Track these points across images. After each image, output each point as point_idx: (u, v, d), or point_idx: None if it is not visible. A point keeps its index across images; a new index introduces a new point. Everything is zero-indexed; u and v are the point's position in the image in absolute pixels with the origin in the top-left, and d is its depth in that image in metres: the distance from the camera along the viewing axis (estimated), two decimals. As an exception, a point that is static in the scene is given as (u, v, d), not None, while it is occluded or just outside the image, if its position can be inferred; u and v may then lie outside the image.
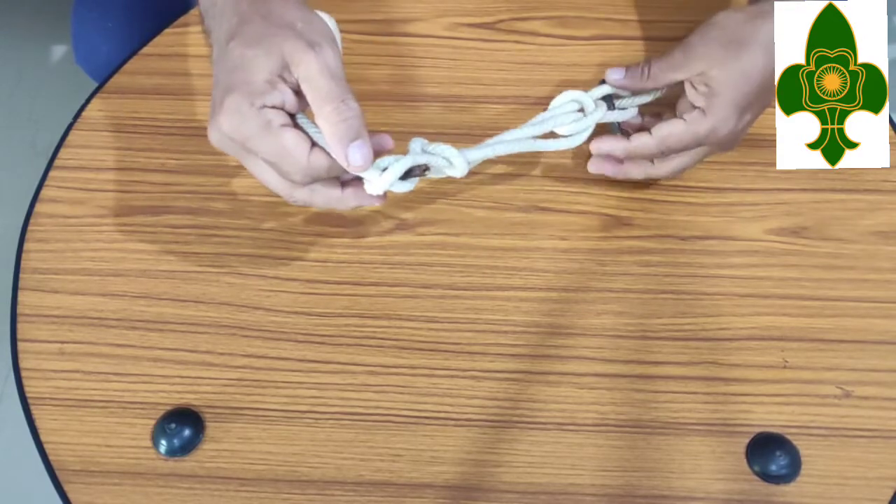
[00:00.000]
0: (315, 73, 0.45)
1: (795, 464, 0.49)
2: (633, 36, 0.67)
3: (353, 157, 0.46)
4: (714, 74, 0.51)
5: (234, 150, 0.47)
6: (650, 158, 0.54)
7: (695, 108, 0.52)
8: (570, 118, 0.54)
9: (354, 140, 0.46)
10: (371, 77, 0.66)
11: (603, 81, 0.55)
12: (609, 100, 0.55)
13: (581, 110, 0.54)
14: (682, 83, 0.53)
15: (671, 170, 0.55)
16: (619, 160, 0.55)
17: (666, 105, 0.55)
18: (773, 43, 0.50)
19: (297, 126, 0.46)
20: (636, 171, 0.56)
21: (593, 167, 0.56)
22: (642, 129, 0.54)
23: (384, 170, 0.48)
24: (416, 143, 0.51)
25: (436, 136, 0.62)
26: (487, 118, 0.63)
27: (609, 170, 0.56)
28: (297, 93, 0.46)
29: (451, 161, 0.50)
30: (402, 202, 0.59)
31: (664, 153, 0.53)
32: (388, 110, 0.64)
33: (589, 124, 0.54)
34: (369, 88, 0.65)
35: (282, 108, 0.46)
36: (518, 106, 0.63)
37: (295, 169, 0.46)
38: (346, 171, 0.47)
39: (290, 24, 0.46)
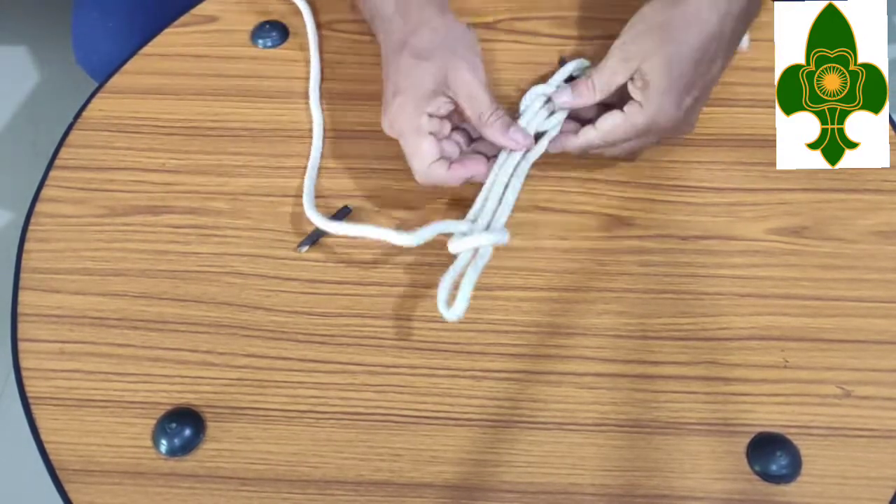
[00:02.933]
0: (475, 90, 0.55)
1: (795, 464, 0.49)
2: (634, 36, 0.66)
3: (515, 136, 0.55)
4: (646, 67, 0.53)
5: (397, 138, 0.56)
6: (598, 150, 0.57)
7: (631, 101, 0.54)
8: (543, 115, 0.57)
9: (510, 127, 0.55)
10: (371, 77, 0.66)
11: (563, 61, 0.59)
12: (571, 80, 0.58)
13: (549, 100, 0.57)
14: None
15: (619, 153, 0.58)
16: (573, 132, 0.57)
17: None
18: (696, 20, 0.52)
19: (440, 138, 0.56)
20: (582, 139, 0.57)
21: (556, 147, 0.58)
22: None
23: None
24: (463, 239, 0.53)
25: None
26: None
27: (573, 145, 0.57)
28: (452, 103, 0.56)
29: (499, 241, 0.53)
30: (402, 202, 0.59)
31: (610, 145, 0.56)
32: (388, 110, 0.64)
33: (561, 118, 0.57)
34: (369, 88, 0.65)
35: (436, 115, 0.55)
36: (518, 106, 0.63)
37: (417, 167, 0.55)
38: (452, 185, 0.56)
39: (453, 41, 0.56)
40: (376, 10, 0.60)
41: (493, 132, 0.55)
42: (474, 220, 0.54)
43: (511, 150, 0.56)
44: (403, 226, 0.58)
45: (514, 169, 0.56)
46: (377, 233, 0.54)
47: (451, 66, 0.55)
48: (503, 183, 0.55)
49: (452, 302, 0.50)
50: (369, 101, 0.64)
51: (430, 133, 0.55)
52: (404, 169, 0.61)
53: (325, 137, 0.63)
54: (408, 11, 0.58)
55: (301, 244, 0.57)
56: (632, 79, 0.54)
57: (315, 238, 0.57)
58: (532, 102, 0.57)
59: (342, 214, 0.58)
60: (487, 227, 0.53)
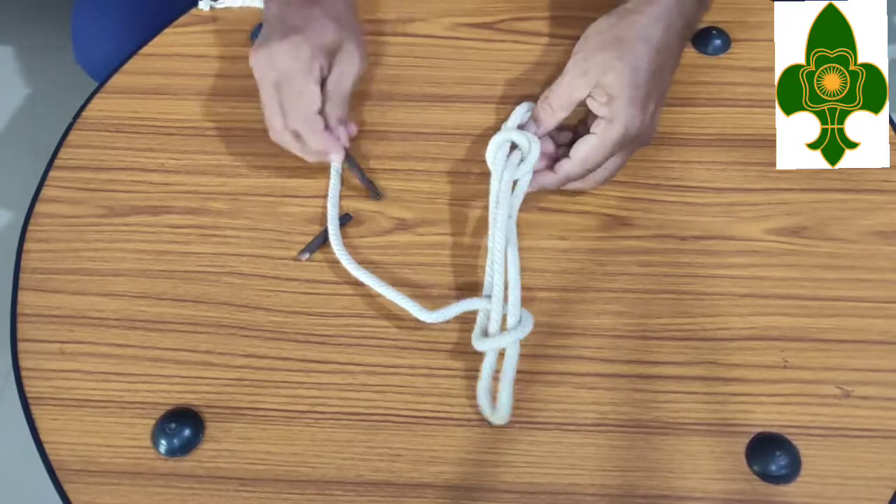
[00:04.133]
0: (353, 75, 0.57)
1: (795, 464, 0.49)
2: (633, 36, 0.66)
3: (335, 156, 0.58)
4: (607, 80, 0.53)
5: (266, 80, 0.56)
6: (579, 178, 0.56)
7: (601, 118, 0.54)
8: (514, 162, 0.56)
9: (335, 148, 0.58)
10: (371, 77, 0.66)
11: (519, 102, 0.59)
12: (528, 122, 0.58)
13: (513, 146, 0.56)
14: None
15: (596, 182, 0.57)
16: (550, 168, 0.56)
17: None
18: (645, 35, 0.54)
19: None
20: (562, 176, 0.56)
21: (534, 186, 0.57)
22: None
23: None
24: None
25: (436, 135, 0.62)
26: (488, 118, 0.63)
27: (548, 183, 0.56)
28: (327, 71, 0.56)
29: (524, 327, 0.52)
30: (402, 202, 0.59)
31: (590, 170, 0.55)
32: (388, 110, 0.64)
33: (532, 163, 0.56)
34: (369, 88, 0.65)
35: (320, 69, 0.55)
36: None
37: (302, 111, 0.55)
38: (316, 150, 0.57)
39: (356, 23, 0.59)
40: None
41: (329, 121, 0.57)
42: (490, 296, 0.52)
43: (495, 214, 0.54)
44: (404, 226, 0.58)
45: (506, 232, 0.54)
46: (399, 300, 0.53)
47: (353, 40, 0.57)
48: (501, 251, 0.53)
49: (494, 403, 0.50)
50: (369, 102, 0.65)
51: (317, 83, 0.55)
52: (406, 169, 0.61)
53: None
54: None
55: (302, 252, 0.57)
56: (591, 96, 0.54)
57: (316, 246, 0.57)
58: (496, 152, 0.56)
59: (342, 221, 0.58)
60: (505, 303, 0.52)
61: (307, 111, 0.56)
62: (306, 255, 0.57)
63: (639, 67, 0.53)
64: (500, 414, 0.50)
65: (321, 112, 0.56)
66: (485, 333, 0.52)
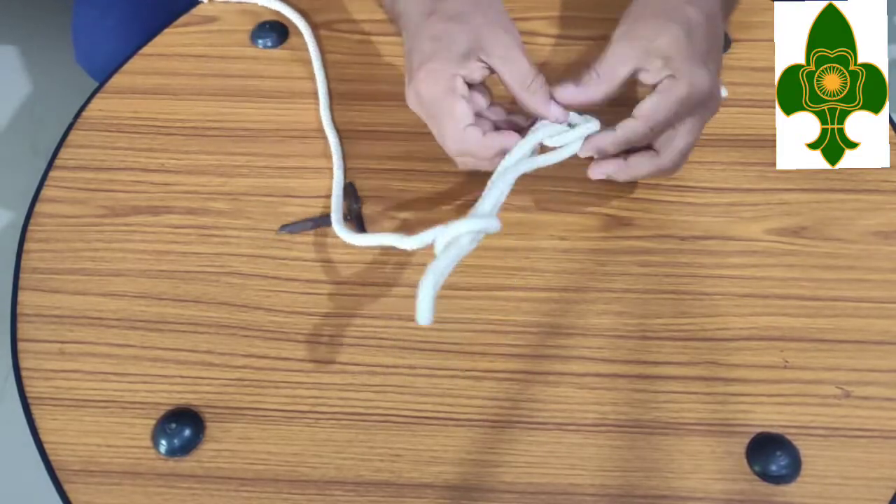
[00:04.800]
0: (513, 52, 0.52)
1: (795, 464, 0.49)
2: (633, 36, 0.66)
3: (556, 109, 0.52)
4: (661, 43, 0.50)
5: (424, 114, 0.54)
6: (640, 142, 0.52)
7: (664, 78, 0.50)
8: (556, 129, 0.53)
9: (551, 100, 0.52)
10: (371, 77, 0.66)
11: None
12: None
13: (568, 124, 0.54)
14: (631, 81, 0.52)
15: (677, 151, 0.53)
16: (620, 157, 0.54)
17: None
18: (688, 5, 0.51)
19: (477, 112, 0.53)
20: (643, 165, 0.54)
21: (594, 172, 0.54)
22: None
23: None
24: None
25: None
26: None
27: (612, 168, 0.54)
28: (486, 69, 0.52)
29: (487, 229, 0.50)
30: (402, 202, 0.59)
31: (653, 132, 0.51)
32: (388, 110, 0.64)
33: (579, 135, 0.53)
34: (369, 88, 0.65)
35: (469, 81, 0.52)
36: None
37: (450, 132, 0.52)
38: (482, 158, 0.53)
39: (485, 4, 0.53)
40: None
41: (535, 100, 0.52)
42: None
43: (532, 139, 0.52)
44: (404, 226, 0.58)
45: (517, 163, 0.52)
46: (383, 239, 0.52)
47: (485, 27, 0.52)
48: (508, 169, 0.51)
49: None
50: (369, 102, 0.65)
51: (464, 96, 0.51)
52: (406, 169, 0.61)
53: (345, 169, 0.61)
54: None
55: (283, 227, 0.57)
56: (643, 69, 0.51)
57: (298, 229, 0.57)
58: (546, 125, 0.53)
59: (350, 190, 0.58)
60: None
61: (456, 130, 0.52)
62: (284, 231, 0.57)
63: (693, 29, 0.50)
64: (421, 316, 0.45)
65: (477, 119, 0.52)
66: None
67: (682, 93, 0.50)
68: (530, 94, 0.52)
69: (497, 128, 0.54)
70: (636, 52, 0.50)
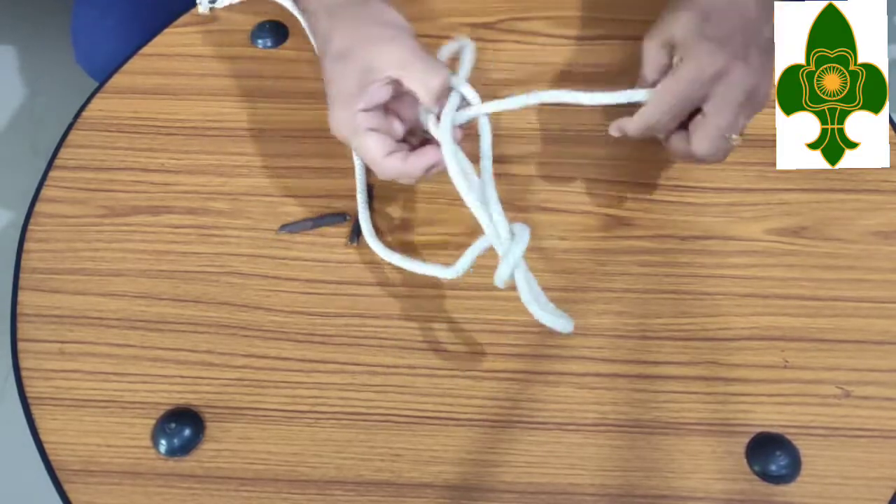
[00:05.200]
0: (407, 58, 0.51)
1: (795, 464, 0.49)
2: (633, 36, 0.66)
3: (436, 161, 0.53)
4: (676, 32, 0.51)
5: (347, 144, 0.54)
6: (662, 127, 0.52)
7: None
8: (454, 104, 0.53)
9: (428, 160, 0.53)
10: (371, 77, 0.66)
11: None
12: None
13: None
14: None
15: (708, 135, 0.51)
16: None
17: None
18: None
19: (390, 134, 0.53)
20: (678, 145, 0.53)
21: (614, 129, 0.54)
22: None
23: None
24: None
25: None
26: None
27: (632, 127, 0.53)
28: (391, 83, 0.52)
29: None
30: (402, 202, 0.59)
31: (670, 114, 0.51)
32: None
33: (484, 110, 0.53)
34: (369, 88, 0.65)
35: (374, 107, 0.52)
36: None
37: (372, 165, 0.53)
38: (413, 178, 0.53)
39: (371, 27, 0.53)
40: (309, 15, 0.58)
41: (431, 97, 0.52)
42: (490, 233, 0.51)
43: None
44: (404, 226, 0.58)
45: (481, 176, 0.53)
46: (423, 268, 0.53)
47: (370, 53, 0.51)
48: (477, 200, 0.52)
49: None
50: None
51: (371, 129, 0.51)
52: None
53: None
54: (331, 8, 0.54)
55: (282, 227, 0.58)
56: (671, 64, 0.51)
57: (298, 229, 0.58)
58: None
59: (336, 221, 0.58)
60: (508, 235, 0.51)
61: (376, 163, 0.52)
62: (284, 231, 0.57)
63: (710, 13, 0.50)
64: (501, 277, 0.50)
65: (396, 147, 0.52)
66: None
67: (689, 72, 0.50)
68: (429, 90, 0.51)
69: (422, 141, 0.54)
70: (658, 46, 0.52)
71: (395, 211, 0.59)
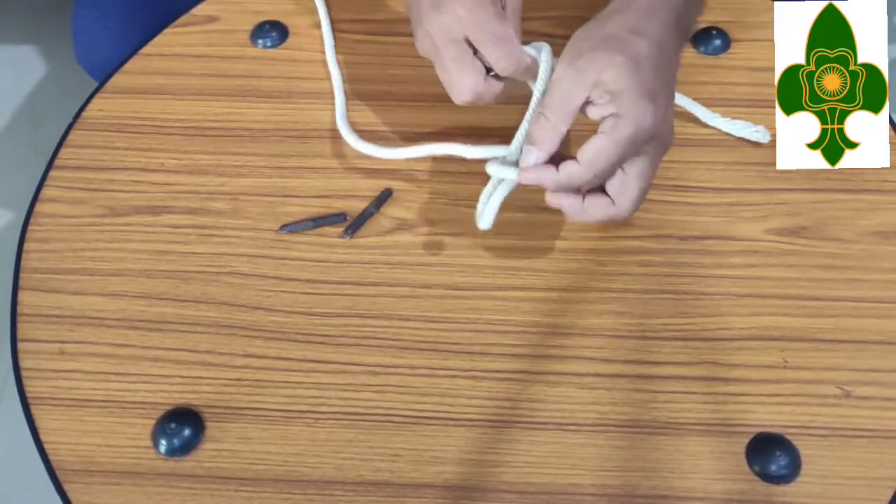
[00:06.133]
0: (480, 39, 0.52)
1: (795, 464, 0.49)
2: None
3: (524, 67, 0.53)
4: (608, 77, 0.48)
5: (432, 53, 0.54)
6: (584, 186, 0.51)
7: (608, 116, 0.48)
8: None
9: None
10: (371, 77, 0.66)
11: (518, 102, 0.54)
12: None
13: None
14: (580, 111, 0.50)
15: (631, 199, 0.51)
16: (578, 192, 0.51)
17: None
18: (642, 27, 0.50)
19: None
20: (598, 211, 0.52)
21: (550, 199, 0.52)
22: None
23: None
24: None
25: (437, 135, 0.62)
26: (488, 118, 0.63)
27: (567, 204, 0.52)
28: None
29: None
30: (402, 202, 0.59)
31: (598, 176, 0.49)
32: (388, 110, 0.64)
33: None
34: (369, 88, 0.65)
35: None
36: (520, 105, 0.63)
37: (495, 38, 0.52)
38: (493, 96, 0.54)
39: None
40: None
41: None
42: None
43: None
44: (404, 226, 0.58)
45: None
46: (442, 149, 0.55)
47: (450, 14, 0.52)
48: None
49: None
50: (369, 101, 0.65)
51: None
52: (403, 169, 0.61)
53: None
54: None
55: (282, 227, 0.58)
56: (589, 102, 0.49)
57: (299, 228, 0.58)
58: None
59: (336, 220, 0.58)
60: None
61: (498, 34, 0.52)
62: (284, 231, 0.57)
63: (640, 62, 0.48)
64: (484, 219, 0.53)
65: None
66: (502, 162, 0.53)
67: (628, 133, 0.48)
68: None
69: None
70: (585, 87, 0.48)
71: (394, 211, 0.59)
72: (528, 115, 0.53)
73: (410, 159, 0.58)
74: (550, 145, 0.50)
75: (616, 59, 0.48)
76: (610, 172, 0.50)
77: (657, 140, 0.50)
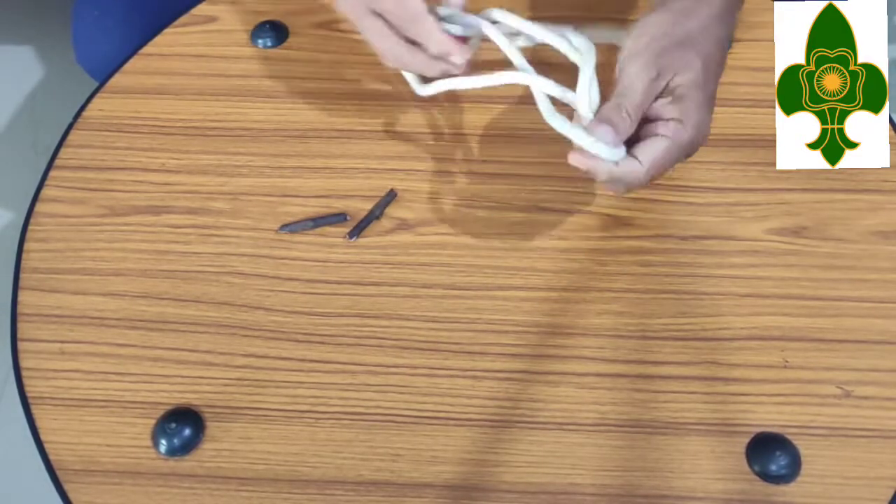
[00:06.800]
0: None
1: (795, 464, 0.49)
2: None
3: (457, 57, 0.53)
4: (680, 81, 0.49)
5: (358, 10, 0.53)
6: (635, 186, 0.51)
7: (670, 119, 0.49)
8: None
9: (456, 48, 0.53)
10: (371, 77, 0.66)
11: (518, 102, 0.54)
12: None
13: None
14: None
15: (639, 185, 0.51)
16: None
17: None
18: (715, 31, 0.50)
19: None
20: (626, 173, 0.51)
21: (574, 158, 0.50)
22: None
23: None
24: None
25: (437, 135, 0.62)
26: (488, 118, 0.63)
27: (605, 174, 0.50)
28: None
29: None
30: (402, 202, 0.59)
31: (654, 178, 0.50)
32: (388, 110, 0.64)
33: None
34: (369, 88, 0.65)
35: None
36: (520, 105, 0.63)
37: (406, 15, 0.51)
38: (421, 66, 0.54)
39: None
40: None
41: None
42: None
43: None
44: (404, 226, 0.58)
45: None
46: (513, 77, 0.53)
47: None
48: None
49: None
50: (369, 101, 0.65)
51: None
52: (403, 169, 0.61)
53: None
54: None
55: (282, 227, 0.58)
56: (661, 96, 0.49)
57: (299, 228, 0.58)
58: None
59: (336, 221, 0.58)
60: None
61: (413, 12, 0.51)
62: (284, 231, 0.57)
63: (710, 67, 0.49)
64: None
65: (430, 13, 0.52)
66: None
67: (686, 140, 0.49)
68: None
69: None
70: (658, 88, 0.49)
71: (394, 211, 0.59)
72: (583, 83, 0.51)
73: (480, 88, 0.55)
74: (625, 134, 0.49)
75: (693, 65, 0.49)
76: (664, 173, 0.51)
77: (702, 143, 0.51)
